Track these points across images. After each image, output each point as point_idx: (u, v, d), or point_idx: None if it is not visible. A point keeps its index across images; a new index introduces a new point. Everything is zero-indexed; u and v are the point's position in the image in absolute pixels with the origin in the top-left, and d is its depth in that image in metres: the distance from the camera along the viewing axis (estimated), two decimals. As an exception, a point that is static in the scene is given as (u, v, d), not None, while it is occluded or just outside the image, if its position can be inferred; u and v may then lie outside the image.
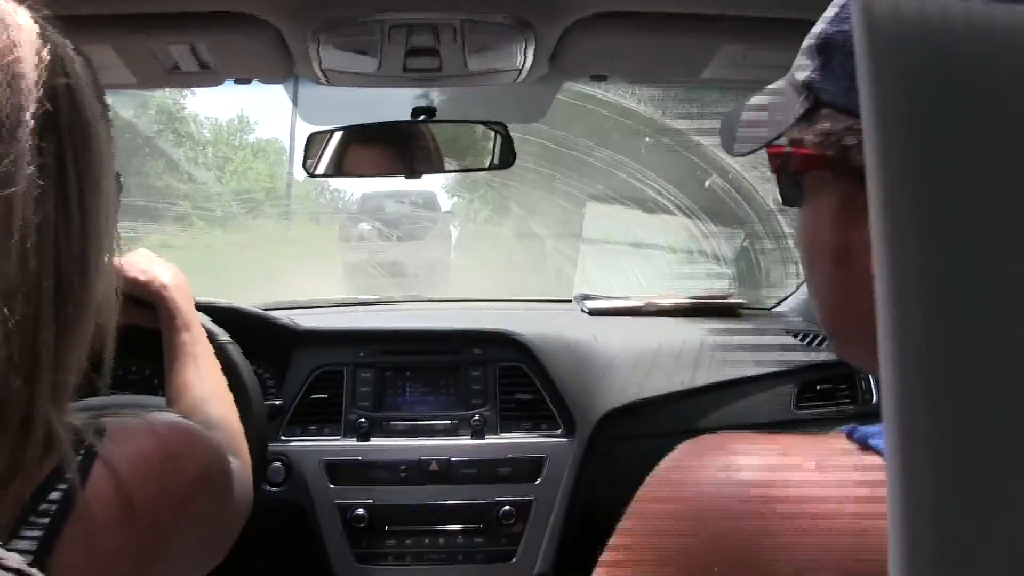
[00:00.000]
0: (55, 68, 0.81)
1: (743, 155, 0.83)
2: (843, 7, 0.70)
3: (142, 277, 1.43)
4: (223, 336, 1.69)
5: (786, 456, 0.63)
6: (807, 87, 0.72)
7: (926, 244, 0.30)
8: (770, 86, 0.81)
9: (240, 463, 1.28)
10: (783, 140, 0.76)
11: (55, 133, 0.80)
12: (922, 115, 0.30)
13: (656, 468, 0.68)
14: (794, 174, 0.77)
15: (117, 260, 1.45)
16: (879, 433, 0.61)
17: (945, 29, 0.30)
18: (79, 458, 0.80)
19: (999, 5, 0.31)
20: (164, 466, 0.87)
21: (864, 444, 0.61)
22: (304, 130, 1.74)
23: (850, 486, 0.59)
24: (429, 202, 10.07)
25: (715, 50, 1.41)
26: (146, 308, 1.45)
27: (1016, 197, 0.31)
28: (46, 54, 0.81)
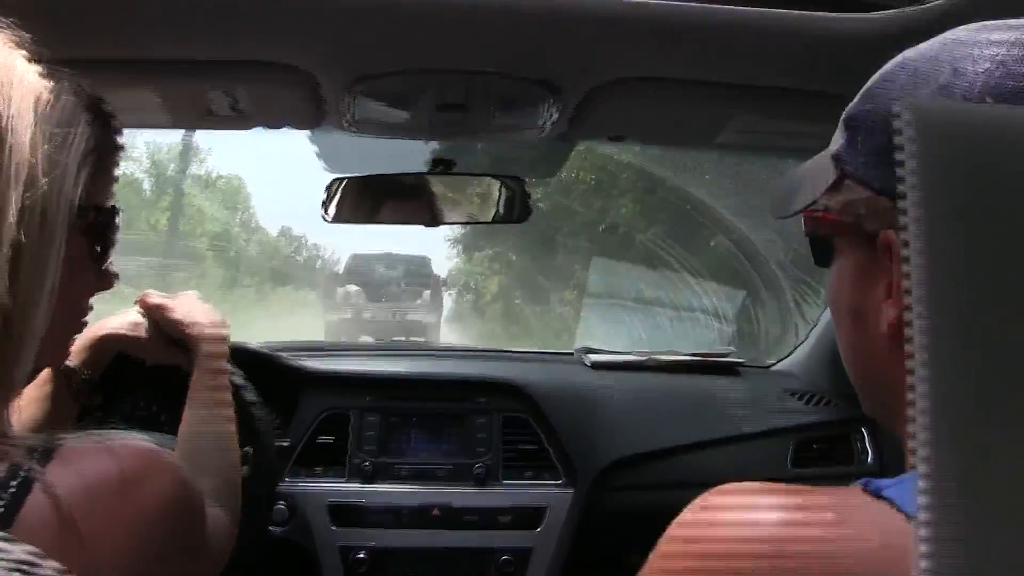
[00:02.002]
0: None
1: (782, 218, 0.88)
2: (868, 88, 0.76)
3: (184, 321, 1.47)
4: (252, 397, 1.72)
5: (805, 505, 0.65)
6: (836, 159, 0.77)
7: (966, 326, 0.34)
8: (817, 156, 0.86)
9: (225, 515, 1.29)
10: (819, 205, 0.81)
11: None
12: (970, 209, 0.34)
13: (682, 513, 0.70)
14: (823, 238, 0.82)
15: (164, 299, 1.51)
16: (892, 485, 0.63)
17: (991, 134, 0.34)
18: (14, 487, 0.78)
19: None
20: (118, 491, 0.84)
21: (878, 495, 0.63)
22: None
23: (864, 535, 0.61)
24: (422, 266, 9.96)
25: (729, 117, 1.45)
26: (184, 350, 1.49)
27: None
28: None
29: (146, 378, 1.69)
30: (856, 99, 0.77)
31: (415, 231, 1.95)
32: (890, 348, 0.74)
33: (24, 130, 0.83)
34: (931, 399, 0.34)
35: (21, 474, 0.79)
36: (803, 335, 2.56)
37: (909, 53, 0.74)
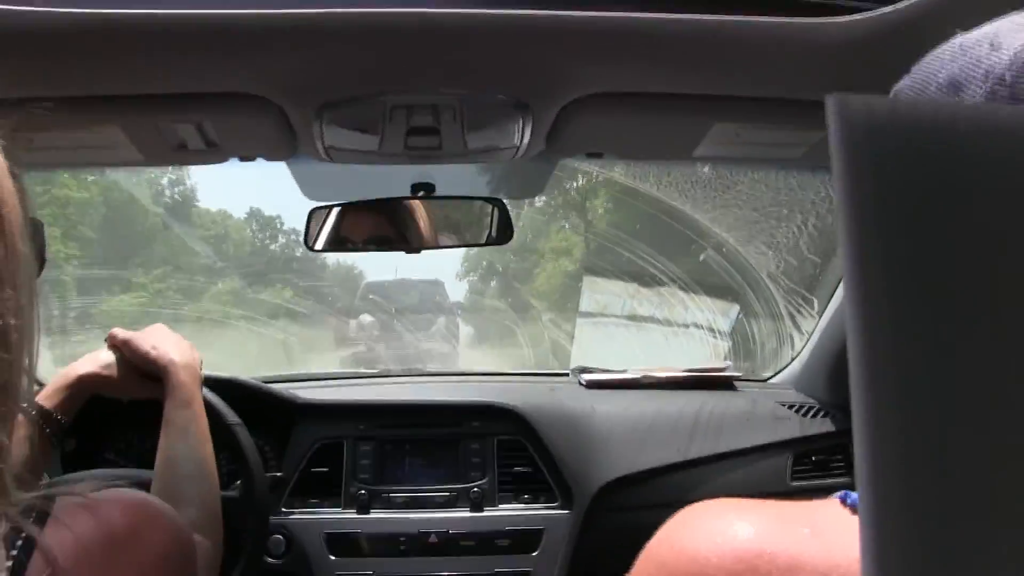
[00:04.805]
0: None
1: None
2: (919, 63, 0.73)
3: (152, 353, 1.47)
4: (232, 417, 1.72)
5: (780, 520, 0.64)
6: None
7: (897, 320, 0.33)
8: None
9: (210, 544, 1.30)
10: None
11: None
12: (892, 201, 0.33)
13: (656, 533, 0.69)
14: None
15: (131, 333, 1.50)
16: None
17: (914, 126, 0.33)
18: (15, 551, 0.75)
19: (965, 104, 0.34)
20: (113, 551, 0.81)
21: (855, 509, 0.62)
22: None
23: (841, 550, 0.60)
24: (436, 291, 9.90)
25: (707, 128, 1.43)
26: (156, 382, 1.48)
27: (971, 269, 0.33)
28: None
29: (136, 415, 1.69)
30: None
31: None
32: None
33: None
34: (865, 404, 0.34)
35: (22, 538, 0.77)
36: (799, 347, 2.54)
37: (968, 33, 0.72)
